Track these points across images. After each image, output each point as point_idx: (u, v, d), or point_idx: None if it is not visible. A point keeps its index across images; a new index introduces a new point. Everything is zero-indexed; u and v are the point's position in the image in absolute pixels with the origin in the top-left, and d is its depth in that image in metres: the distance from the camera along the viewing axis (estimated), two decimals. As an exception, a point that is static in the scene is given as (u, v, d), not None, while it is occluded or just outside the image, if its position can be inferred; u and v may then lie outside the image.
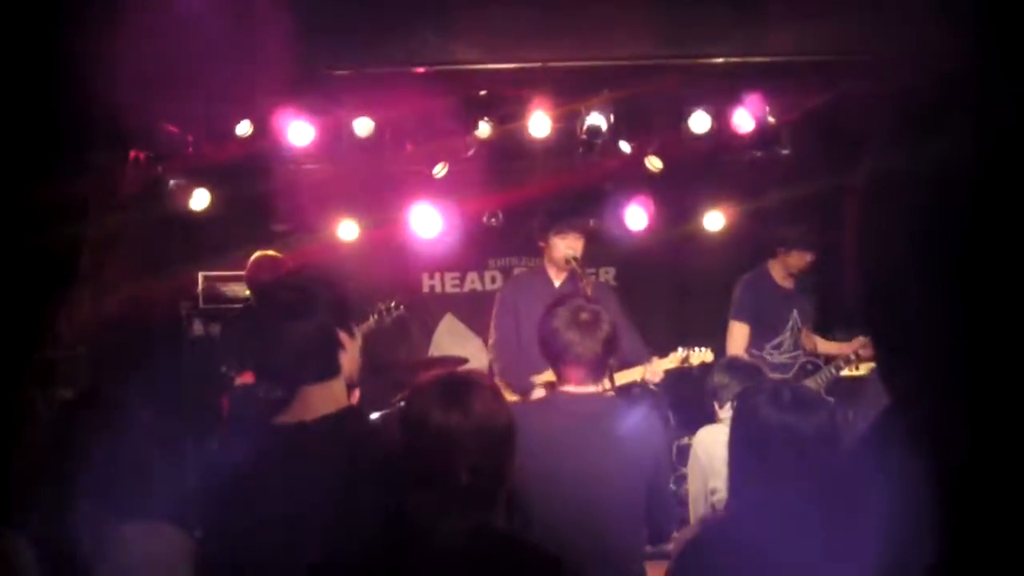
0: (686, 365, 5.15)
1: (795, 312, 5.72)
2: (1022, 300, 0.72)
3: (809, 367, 5.67)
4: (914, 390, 0.84)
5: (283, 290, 2.42)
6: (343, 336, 2.40)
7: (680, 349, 5.15)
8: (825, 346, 5.85)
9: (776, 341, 5.68)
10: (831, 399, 5.56)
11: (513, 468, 2.11)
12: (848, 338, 5.80)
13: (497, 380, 4.58)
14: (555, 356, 3.16)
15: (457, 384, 2.09)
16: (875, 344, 0.86)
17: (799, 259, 5.65)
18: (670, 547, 2.96)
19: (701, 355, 5.17)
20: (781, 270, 5.74)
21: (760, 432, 2.40)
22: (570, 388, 3.15)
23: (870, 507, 0.85)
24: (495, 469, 2.05)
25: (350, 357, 2.42)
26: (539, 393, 4.50)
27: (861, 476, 0.91)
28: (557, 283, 5.11)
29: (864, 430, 0.90)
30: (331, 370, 2.37)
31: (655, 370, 4.96)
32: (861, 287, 0.85)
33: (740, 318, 5.67)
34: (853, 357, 5.54)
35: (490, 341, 5.41)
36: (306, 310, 2.34)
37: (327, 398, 2.34)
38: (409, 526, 1.98)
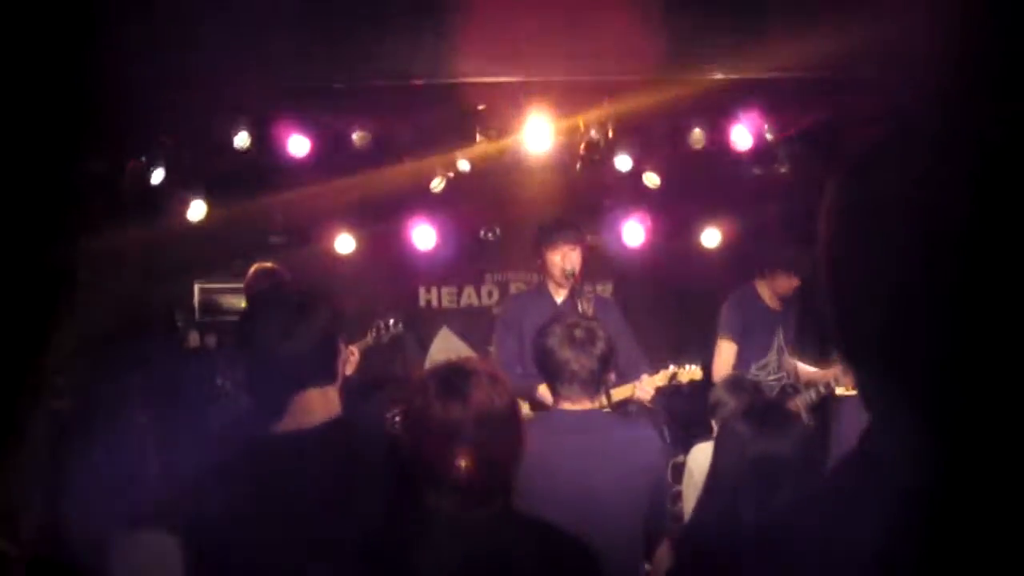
0: (675, 382, 5.10)
1: (780, 332, 5.68)
2: (1005, 318, 0.71)
3: (790, 390, 5.62)
4: (891, 410, 0.83)
5: (287, 293, 2.46)
6: (340, 344, 2.42)
7: (670, 366, 5.11)
8: (805, 371, 5.77)
9: (762, 362, 5.63)
10: (811, 423, 5.52)
11: (523, 449, 2.06)
12: (828, 363, 5.75)
13: None
14: (551, 374, 3.14)
15: (454, 375, 2.04)
16: (850, 366, 0.85)
17: (786, 283, 5.59)
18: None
19: (690, 372, 5.12)
20: (768, 290, 5.70)
21: (738, 454, 2.41)
22: (567, 406, 3.13)
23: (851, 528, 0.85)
24: (504, 454, 2.02)
25: (345, 366, 2.44)
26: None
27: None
28: (559, 300, 5.04)
29: (846, 452, 0.89)
30: (330, 376, 2.38)
31: (645, 388, 4.90)
32: (837, 308, 0.84)
33: (727, 335, 5.61)
34: (833, 382, 5.41)
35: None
36: (313, 311, 2.34)
37: (325, 404, 2.34)
38: (430, 523, 1.94)
